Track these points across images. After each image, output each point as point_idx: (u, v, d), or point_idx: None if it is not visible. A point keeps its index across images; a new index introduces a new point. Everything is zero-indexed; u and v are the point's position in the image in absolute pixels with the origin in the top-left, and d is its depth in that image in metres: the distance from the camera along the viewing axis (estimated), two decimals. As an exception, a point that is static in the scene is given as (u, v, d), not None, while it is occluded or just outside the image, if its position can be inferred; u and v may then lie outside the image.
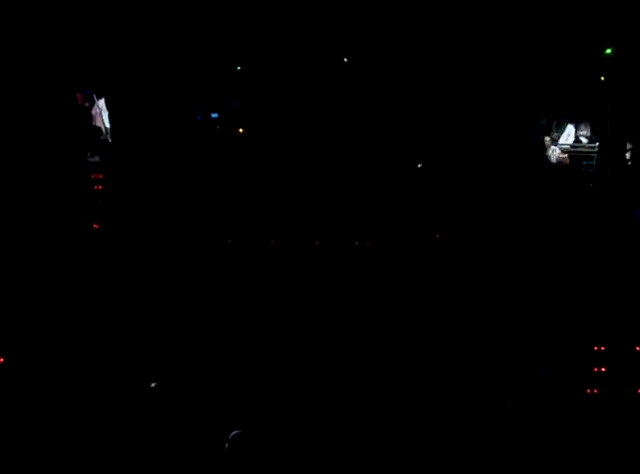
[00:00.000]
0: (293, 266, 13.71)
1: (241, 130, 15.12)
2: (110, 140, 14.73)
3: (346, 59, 15.13)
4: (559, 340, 12.89)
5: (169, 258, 13.62)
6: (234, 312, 13.22)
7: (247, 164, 14.58)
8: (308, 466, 11.37)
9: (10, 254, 13.20)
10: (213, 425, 11.46)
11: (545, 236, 13.77)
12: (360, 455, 11.60)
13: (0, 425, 11.75)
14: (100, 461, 11.39)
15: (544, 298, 13.22)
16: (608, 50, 14.50)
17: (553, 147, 15.04)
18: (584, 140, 15.11)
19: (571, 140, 15.14)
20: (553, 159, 15.01)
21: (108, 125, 14.81)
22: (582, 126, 15.14)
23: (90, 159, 14.33)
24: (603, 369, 12.75)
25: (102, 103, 14.85)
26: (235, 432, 9.01)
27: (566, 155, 14.99)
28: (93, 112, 14.83)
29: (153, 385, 12.23)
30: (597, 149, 14.84)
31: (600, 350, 12.86)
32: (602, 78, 14.70)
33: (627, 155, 14.53)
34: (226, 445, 8.91)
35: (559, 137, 15.14)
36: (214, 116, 15.22)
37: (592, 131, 15.07)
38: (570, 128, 15.16)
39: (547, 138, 15.08)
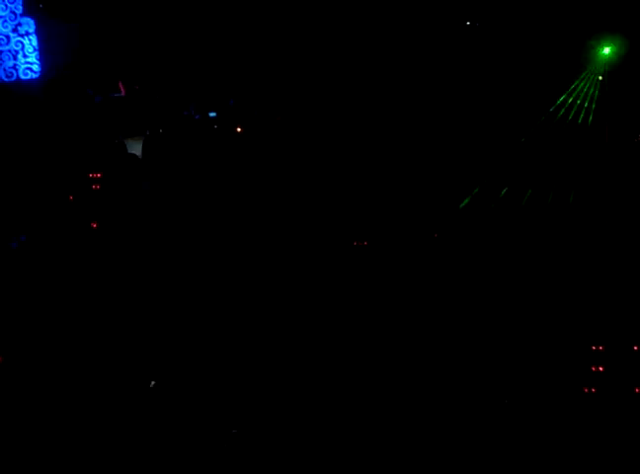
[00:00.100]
0: (293, 266, 13.74)
1: (239, 129, 15.13)
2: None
3: (345, 59, 15.17)
4: (558, 339, 12.94)
5: (169, 258, 13.64)
6: (234, 312, 13.24)
7: (245, 162, 14.59)
8: (308, 466, 11.42)
9: (10, 254, 13.23)
10: (213, 424, 11.50)
11: (544, 238, 13.86)
12: (359, 454, 11.63)
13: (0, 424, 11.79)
14: (99, 459, 11.42)
15: (544, 298, 13.29)
16: None
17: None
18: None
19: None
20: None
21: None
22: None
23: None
24: (601, 369, 12.81)
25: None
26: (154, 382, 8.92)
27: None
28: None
29: (152, 384, 12.25)
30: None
31: (597, 349, 12.91)
32: None
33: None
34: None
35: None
36: (212, 114, 15.23)
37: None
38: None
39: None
